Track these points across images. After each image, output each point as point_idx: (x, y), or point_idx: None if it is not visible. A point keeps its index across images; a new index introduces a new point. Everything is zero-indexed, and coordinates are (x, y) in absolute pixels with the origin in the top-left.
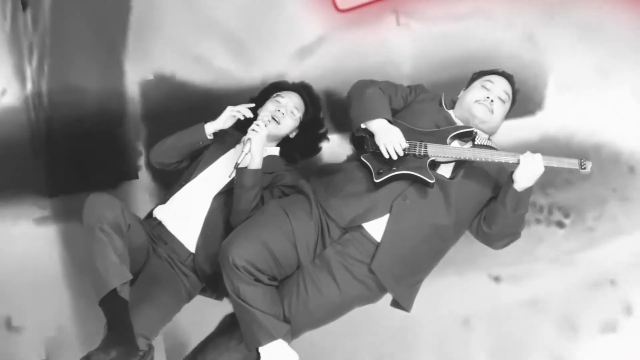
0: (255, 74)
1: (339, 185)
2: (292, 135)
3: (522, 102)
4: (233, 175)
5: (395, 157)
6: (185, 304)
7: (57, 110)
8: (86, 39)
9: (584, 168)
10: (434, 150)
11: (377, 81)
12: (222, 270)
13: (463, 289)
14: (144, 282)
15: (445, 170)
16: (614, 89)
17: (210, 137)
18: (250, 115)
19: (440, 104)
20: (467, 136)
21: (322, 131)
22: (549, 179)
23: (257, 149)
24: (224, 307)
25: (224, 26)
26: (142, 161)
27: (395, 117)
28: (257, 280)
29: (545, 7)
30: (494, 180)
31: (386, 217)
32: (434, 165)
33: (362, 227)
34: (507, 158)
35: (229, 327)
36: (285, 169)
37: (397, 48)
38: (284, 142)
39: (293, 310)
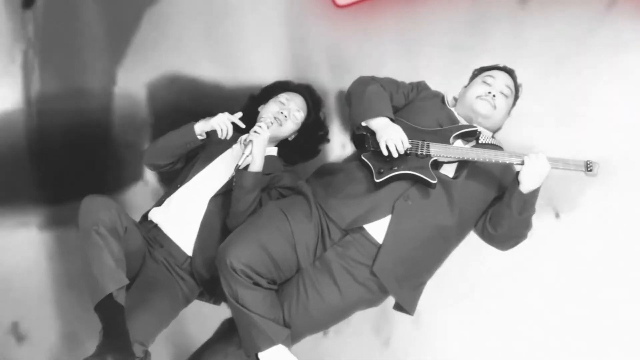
0: (255, 74)
1: (339, 186)
2: (290, 138)
3: None
4: (232, 174)
5: (395, 155)
6: (182, 308)
7: (59, 115)
8: (86, 40)
9: (590, 170)
10: (436, 150)
11: (378, 78)
12: (220, 274)
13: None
14: (141, 286)
15: (449, 170)
16: None
17: (201, 136)
18: (243, 126)
19: (443, 102)
20: (471, 136)
21: (322, 133)
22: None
23: (259, 151)
24: (222, 312)
25: (224, 26)
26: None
27: (396, 115)
28: (256, 283)
29: None
30: (499, 180)
31: (388, 218)
32: (437, 164)
33: (363, 229)
34: (510, 159)
35: (227, 332)
36: (283, 170)
37: None
38: (283, 143)
39: (293, 315)
